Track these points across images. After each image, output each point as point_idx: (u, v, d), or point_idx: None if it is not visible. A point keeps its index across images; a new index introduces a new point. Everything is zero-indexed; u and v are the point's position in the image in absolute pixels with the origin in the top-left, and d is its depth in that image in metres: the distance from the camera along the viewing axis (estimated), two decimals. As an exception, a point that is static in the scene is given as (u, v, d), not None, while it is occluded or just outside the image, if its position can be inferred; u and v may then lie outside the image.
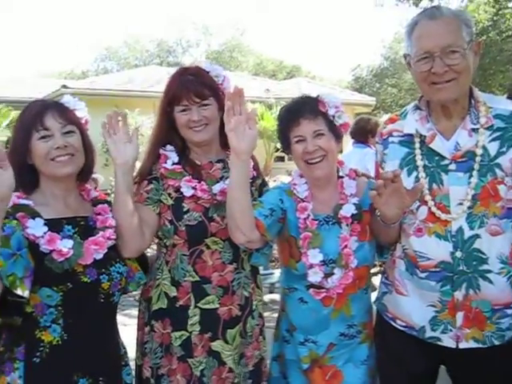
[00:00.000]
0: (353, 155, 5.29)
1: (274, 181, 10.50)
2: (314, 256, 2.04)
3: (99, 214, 1.99)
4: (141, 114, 12.45)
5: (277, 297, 6.13)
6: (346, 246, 2.06)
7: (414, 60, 1.88)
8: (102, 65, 40.32)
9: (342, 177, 2.19)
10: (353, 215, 2.10)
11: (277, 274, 6.19)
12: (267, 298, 6.32)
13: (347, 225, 2.09)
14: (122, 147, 1.97)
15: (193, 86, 2.10)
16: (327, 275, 2.05)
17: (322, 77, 35.40)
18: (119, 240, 1.96)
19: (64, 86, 15.47)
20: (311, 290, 2.07)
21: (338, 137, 2.12)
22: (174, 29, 40.61)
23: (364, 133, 5.45)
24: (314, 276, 2.04)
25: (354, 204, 2.11)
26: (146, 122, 11.27)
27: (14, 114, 13.29)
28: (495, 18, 16.29)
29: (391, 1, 12.24)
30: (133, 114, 12.13)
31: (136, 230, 1.98)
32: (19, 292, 1.66)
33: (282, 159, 17.36)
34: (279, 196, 2.13)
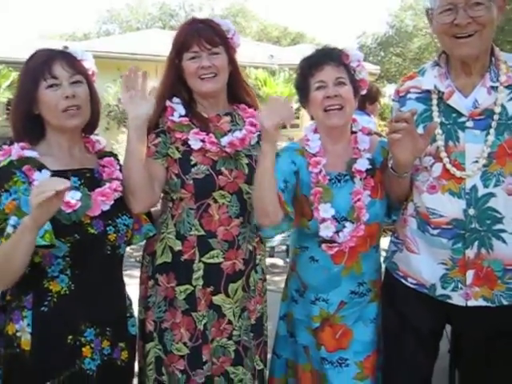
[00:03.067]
0: None
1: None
2: (325, 210, 2.03)
3: (105, 166, 1.97)
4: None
5: (277, 261, 6.18)
6: (358, 200, 2.04)
7: (436, 12, 1.82)
8: (104, 27, 39.89)
9: (355, 132, 2.16)
10: (367, 170, 2.08)
11: (278, 237, 6.21)
12: (267, 261, 6.35)
13: (361, 179, 2.07)
14: (137, 102, 1.94)
15: (204, 32, 2.08)
16: (339, 231, 2.04)
17: (327, 44, 34.95)
18: (130, 195, 1.94)
19: (65, 48, 15.24)
20: (323, 245, 2.06)
21: (357, 91, 2.10)
22: (176, -8, 39.94)
23: (362, 99, 5.36)
24: (326, 230, 2.03)
25: (368, 159, 2.09)
26: (149, 85, 11.15)
27: (15, 75, 13.21)
28: (504, -14, 16.01)
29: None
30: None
31: (147, 184, 1.97)
32: (56, 243, 1.68)
33: (284, 126, 17.20)
34: (289, 158, 2.11)
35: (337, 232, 2.03)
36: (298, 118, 15.31)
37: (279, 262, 6.17)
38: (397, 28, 28.86)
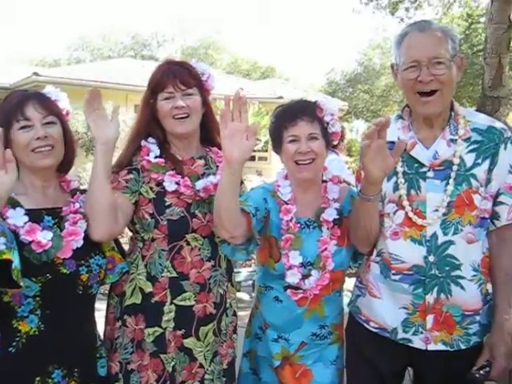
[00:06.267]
0: None
1: (244, 179, 10.51)
2: (294, 258, 2.08)
3: (72, 202, 1.97)
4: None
5: (243, 295, 6.18)
6: (325, 249, 2.10)
7: (401, 68, 1.95)
8: (75, 54, 39.68)
9: (325, 181, 2.22)
10: (334, 220, 2.14)
11: (244, 272, 6.25)
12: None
13: (328, 228, 2.14)
14: (102, 124, 1.93)
15: (179, 72, 2.12)
16: (304, 277, 2.09)
17: (296, 79, 35.58)
18: (91, 220, 1.92)
19: (35, 74, 15.20)
20: (288, 290, 2.11)
21: (329, 143, 2.16)
22: (149, 22, 40.31)
23: None
24: (292, 277, 2.08)
25: (336, 209, 2.16)
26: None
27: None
28: (467, 32, 16.66)
29: (369, 8, 12.46)
30: (107, 105, 11.98)
31: (109, 212, 1.94)
32: (21, 283, 1.65)
33: (252, 158, 17.24)
34: (263, 196, 2.15)
35: (302, 278, 2.09)
36: (266, 151, 15.50)
37: (245, 296, 6.18)
38: (365, 66, 29.57)
